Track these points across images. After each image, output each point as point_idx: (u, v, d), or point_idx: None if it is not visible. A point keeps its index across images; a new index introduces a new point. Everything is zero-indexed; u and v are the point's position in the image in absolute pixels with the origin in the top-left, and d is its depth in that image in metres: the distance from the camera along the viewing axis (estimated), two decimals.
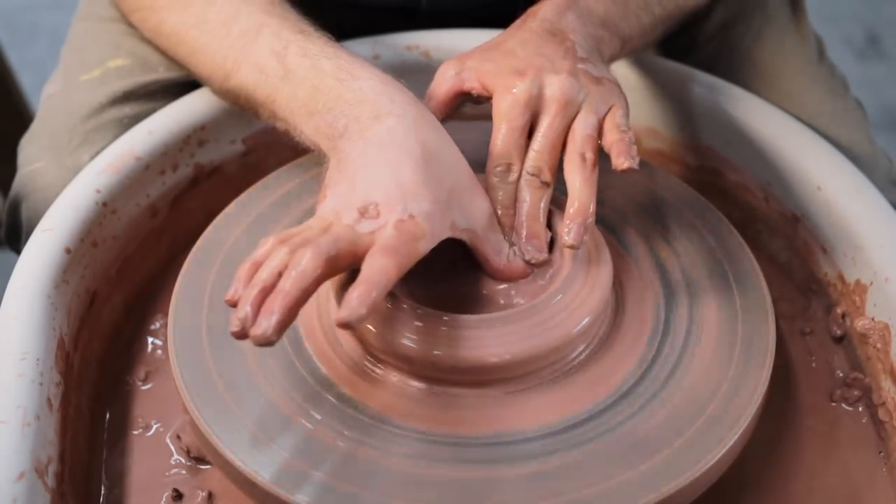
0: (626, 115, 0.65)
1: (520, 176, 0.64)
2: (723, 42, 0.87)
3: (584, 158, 0.63)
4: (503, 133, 0.64)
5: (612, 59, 0.72)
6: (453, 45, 0.78)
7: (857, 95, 0.87)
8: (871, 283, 0.67)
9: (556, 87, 0.65)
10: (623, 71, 0.82)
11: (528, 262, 0.64)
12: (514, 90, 0.64)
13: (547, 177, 0.64)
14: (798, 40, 0.88)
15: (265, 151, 0.82)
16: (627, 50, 0.75)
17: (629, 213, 0.72)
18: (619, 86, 0.67)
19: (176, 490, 0.62)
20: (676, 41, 0.87)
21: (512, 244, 0.64)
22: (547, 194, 0.64)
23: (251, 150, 0.82)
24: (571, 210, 0.61)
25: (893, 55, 1.99)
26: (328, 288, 0.65)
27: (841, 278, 0.70)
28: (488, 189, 0.64)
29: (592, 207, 0.62)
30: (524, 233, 0.64)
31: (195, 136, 0.78)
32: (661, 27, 0.78)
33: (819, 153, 0.74)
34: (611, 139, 0.63)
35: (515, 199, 0.64)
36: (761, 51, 0.86)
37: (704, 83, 0.80)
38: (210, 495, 0.63)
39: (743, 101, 0.79)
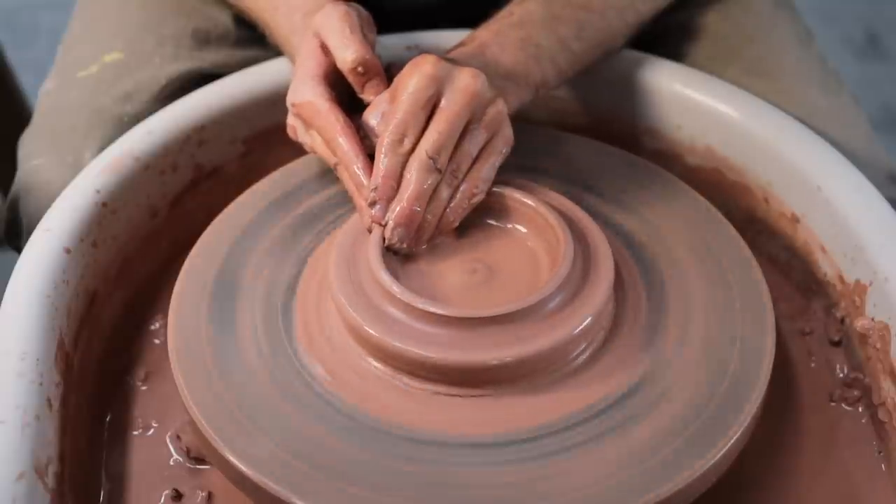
0: (500, 159, 0.67)
1: (412, 150, 0.64)
2: (715, 41, 0.87)
3: (455, 176, 0.65)
4: (406, 104, 0.64)
5: (523, 104, 0.72)
6: (451, 45, 0.78)
7: (857, 95, 0.87)
8: (871, 283, 0.67)
9: (467, 75, 0.65)
10: (622, 71, 0.82)
11: (387, 247, 0.64)
12: (423, 66, 0.65)
13: (443, 163, 0.64)
14: (788, 35, 0.88)
15: (265, 151, 0.82)
16: (546, 90, 0.75)
17: (627, 212, 0.72)
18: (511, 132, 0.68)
19: (175, 490, 0.62)
20: (668, 40, 0.87)
21: (383, 223, 0.64)
22: (435, 181, 0.64)
23: (251, 150, 0.82)
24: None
25: (893, 55, 1.98)
26: (324, 293, 0.65)
27: (840, 278, 0.70)
28: (377, 151, 0.64)
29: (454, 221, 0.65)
30: (396, 213, 0.63)
31: (195, 137, 0.78)
32: (592, 55, 0.78)
33: (819, 153, 0.74)
34: (451, 206, 0.65)
35: (402, 172, 0.64)
36: (754, 47, 0.86)
37: (703, 83, 0.80)
38: (210, 495, 0.63)
39: (742, 100, 0.79)
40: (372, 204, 0.64)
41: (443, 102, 0.64)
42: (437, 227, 0.65)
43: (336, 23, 0.68)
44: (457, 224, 0.66)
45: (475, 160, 0.66)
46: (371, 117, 0.67)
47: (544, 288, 0.61)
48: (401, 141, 0.64)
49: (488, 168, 0.66)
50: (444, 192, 0.65)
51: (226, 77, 0.82)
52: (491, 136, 0.66)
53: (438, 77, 0.64)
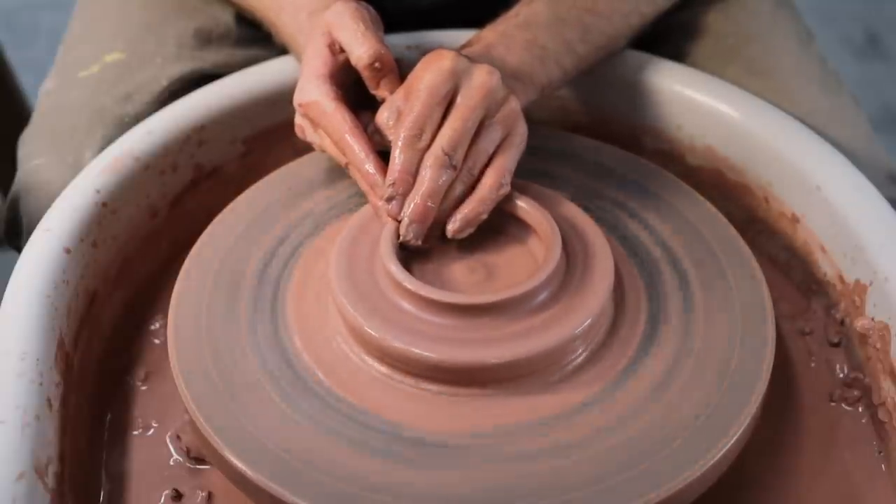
0: (518, 154, 0.67)
1: (428, 146, 0.64)
2: (715, 40, 0.87)
3: (471, 174, 0.64)
4: (423, 99, 0.64)
5: (528, 104, 0.72)
6: (453, 44, 0.78)
7: (856, 95, 0.87)
8: (871, 283, 0.67)
9: (483, 72, 0.65)
10: (623, 70, 0.82)
11: (401, 243, 0.64)
12: (441, 61, 0.65)
13: (458, 160, 0.64)
14: (788, 35, 0.88)
15: (265, 151, 0.82)
16: (550, 91, 0.75)
17: (627, 212, 0.72)
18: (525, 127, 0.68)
19: (175, 490, 0.62)
20: (669, 39, 0.87)
21: (399, 219, 0.64)
22: (450, 178, 0.64)
23: (251, 150, 0.82)
24: (467, 208, 0.64)
25: (893, 55, 1.98)
26: (325, 293, 0.65)
27: (840, 278, 0.70)
28: (393, 147, 0.64)
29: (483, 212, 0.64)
30: (411, 210, 0.63)
31: (195, 137, 0.78)
32: (596, 56, 0.78)
33: (819, 153, 0.74)
34: (479, 195, 0.64)
35: (418, 168, 0.64)
36: (754, 47, 0.86)
37: (703, 83, 0.80)
38: (210, 495, 0.63)
39: (742, 100, 0.79)
40: (389, 199, 0.63)
41: (459, 99, 0.64)
42: (468, 220, 0.64)
43: (349, 20, 0.68)
44: (486, 216, 0.65)
45: (494, 154, 0.66)
46: (386, 114, 0.66)
47: (534, 278, 0.61)
48: (418, 136, 0.63)
49: (510, 160, 0.66)
50: (458, 189, 0.64)
51: (226, 77, 0.82)
52: (507, 133, 0.66)
53: (456, 72, 0.64)
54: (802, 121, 0.77)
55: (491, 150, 0.65)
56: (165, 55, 0.84)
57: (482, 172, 0.65)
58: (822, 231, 0.72)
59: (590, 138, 0.79)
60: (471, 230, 0.65)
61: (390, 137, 0.66)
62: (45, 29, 1.96)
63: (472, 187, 0.65)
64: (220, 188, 0.79)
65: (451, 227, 0.64)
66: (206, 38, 0.87)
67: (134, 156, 0.75)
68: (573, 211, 0.68)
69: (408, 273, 0.62)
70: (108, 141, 0.78)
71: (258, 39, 0.87)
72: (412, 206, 0.63)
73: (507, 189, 0.65)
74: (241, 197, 0.74)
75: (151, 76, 0.83)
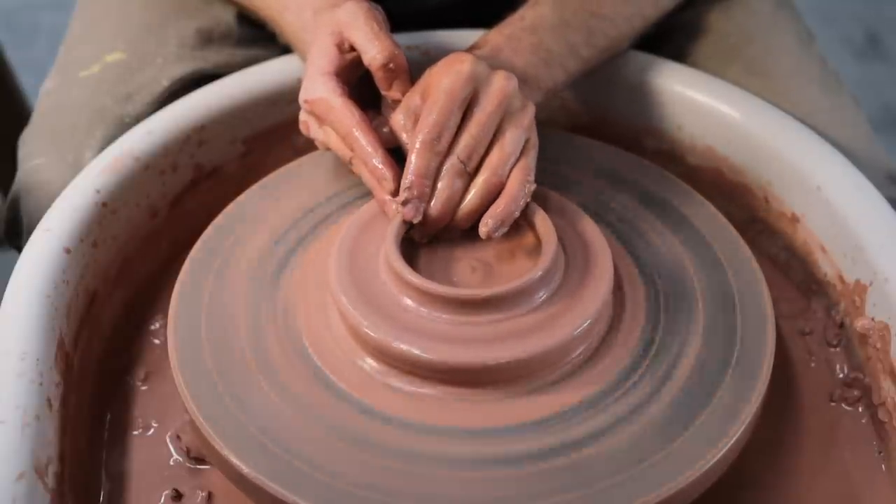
0: (536, 154, 0.67)
1: (447, 152, 0.64)
2: (716, 40, 0.87)
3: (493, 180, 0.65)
4: (442, 102, 0.64)
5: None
6: (454, 44, 0.78)
7: (857, 95, 0.87)
8: (871, 283, 0.67)
9: (501, 77, 0.65)
10: (622, 70, 0.82)
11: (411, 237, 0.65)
12: (460, 64, 0.65)
13: (473, 167, 0.64)
14: (789, 35, 0.88)
15: (265, 151, 0.82)
16: (553, 94, 0.75)
17: (628, 212, 0.72)
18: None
19: (175, 490, 0.62)
20: (670, 39, 0.87)
21: (411, 225, 0.64)
22: (464, 185, 0.64)
23: (251, 150, 0.82)
24: (501, 206, 0.63)
25: (893, 55, 1.98)
26: (325, 293, 0.65)
27: (840, 278, 0.70)
28: (409, 150, 0.64)
29: (515, 210, 0.64)
30: (429, 217, 0.64)
31: (195, 137, 0.78)
32: (599, 59, 0.79)
33: (819, 153, 0.74)
34: (509, 193, 0.64)
35: (436, 172, 0.64)
36: (755, 47, 0.86)
37: (704, 83, 0.80)
38: (210, 495, 0.63)
39: (742, 100, 0.79)
40: (404, 203, 0.64)
41: (477, 104, 0.65)
42: (501, 219, 0.64)
43: (363, 21, 0.68)
44: (518, 214, 0.65)
45: (518, 156, 0.66)
46: (401, 115, 0.67)
47: (531, 274, 0.61)
48: (436, 140, 0.64)
49: (531, 159, 0.66)
50: (473, 193, 0.65)
51: (226, 77, 0.82)
52: (528, 136, 0.66)
53: (475, 77, 0.65)
54: (802, 121, 0.77)
55: (518, 154, 0.65)
56: (166, 55, 0.84)
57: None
58: (822, 231, 0.72)
59: (590, 139, 0.79)
60: (504, 229, 0.64)
61: (404, 138, 0.66)
62: (45, 29, 1.96)
63: (497, 191, 0.65)
64: (220, 188, 0.79)
65: (484, 229, 0.64)
66: (207, 38, 0.87)
67: (134, 156, 0.75)
68: (573, 211, 0.68)
69: (410, 268, 0.62)
70: (109, 141, 0.78)
71: (259, 39, 0.87)
72: (427, 212, 0.64)
73: (533, 186, 0.65)
74: (241, 197, 0.74)
75: (152, 76, 0.83)
